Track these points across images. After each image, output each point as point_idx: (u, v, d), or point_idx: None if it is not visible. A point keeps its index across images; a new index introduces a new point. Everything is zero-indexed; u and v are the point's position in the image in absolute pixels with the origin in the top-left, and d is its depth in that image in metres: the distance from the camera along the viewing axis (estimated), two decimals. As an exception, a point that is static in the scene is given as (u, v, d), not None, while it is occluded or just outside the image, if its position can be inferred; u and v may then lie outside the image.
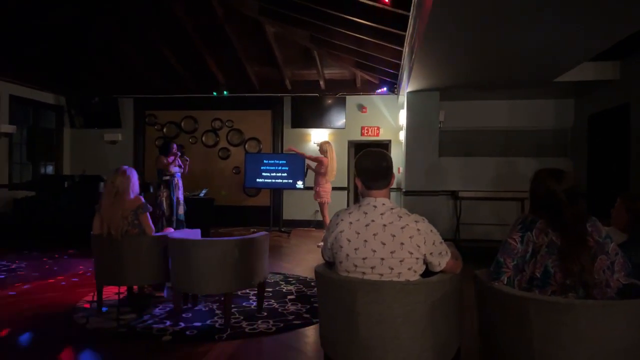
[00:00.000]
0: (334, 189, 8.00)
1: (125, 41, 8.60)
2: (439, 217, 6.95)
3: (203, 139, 9.88)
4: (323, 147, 7.26)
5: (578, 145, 7.10)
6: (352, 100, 9.41)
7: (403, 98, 7.36)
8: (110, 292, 4.16)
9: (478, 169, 7.46)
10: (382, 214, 2.01)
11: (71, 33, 8.30)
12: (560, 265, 1.90)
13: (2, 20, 7.16)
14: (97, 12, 7.92)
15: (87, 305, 3.93)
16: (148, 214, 3.66)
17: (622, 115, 5.85)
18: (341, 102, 9.36)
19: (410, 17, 5.12)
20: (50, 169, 9.89)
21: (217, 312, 3.77)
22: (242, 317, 3.65)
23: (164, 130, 9.98)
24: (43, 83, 9.33)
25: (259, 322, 3.56)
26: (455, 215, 7.31)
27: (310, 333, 3.38)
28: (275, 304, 4.06)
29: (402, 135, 8.03)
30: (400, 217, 2.00)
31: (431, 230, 2.01)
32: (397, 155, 8.86)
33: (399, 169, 8.32)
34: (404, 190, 6.97)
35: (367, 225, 2.01)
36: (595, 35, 4.23)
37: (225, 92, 9.51)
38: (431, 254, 2.00)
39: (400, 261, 1.96)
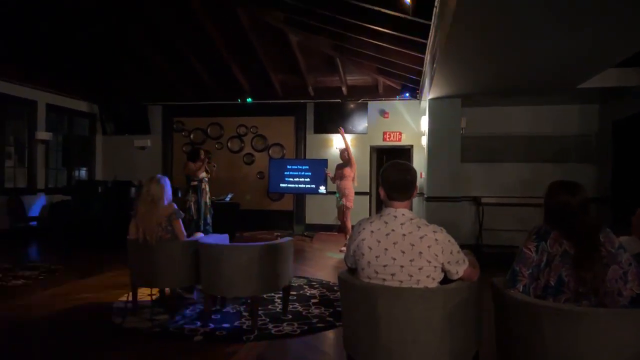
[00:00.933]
0: (356, 193, 8.12)
1: (155, 51, 8.94)
2: (461, 223, 6.99)
3: (228, 144, 10.15)
4: (344, 154, 7.38)
5: (602, 151, 7.04)
6: (374, 105, 9.52)
7: (425, 103, 7.43)
8: (143, 294, 4.38)
9: (500, 174, 7.46)
10: (402, 224, 2.13)
11: (103, 44, 8.68)
12: (573, 274, 1.99)
13: (38, 33, 7.56)
14: (128, 24, 8.27)
15: (123, 306, 4.15)
16: (180, 220, 3.86)
17: (647, 121, 5.80)
18: (363, 108, 9.48)
19: (431, 25, 5.21)
20: (83, 174, 10.33)
21: (245, 314, 3.93)
22: (268, 319, 3.81)
23: (191, 136, 10.30)
24: (77, 92, 9.78)
25: (285, 324, 3.71)
26: (478, 221, 7.33)
27: (334, 335, 3.51)
28: (300, 307, 4.20)
29: (424, 141, 8.09)
30: (419, 227, 2.11)
31: (449, 240, 2.11)
32: (420, 161, 8.92)
33: (420, 173, 8.37)
34: (426, 196, 7.03)
35: (387, 234, 2.12)
36: (618, 43, 4.23)
37: (248, 100, 9.74)
38: (449, 262, 2.10)
39: (419, 269, 2.07)
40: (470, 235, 7.31)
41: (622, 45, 4.32)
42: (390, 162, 2.28)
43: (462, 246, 2.21)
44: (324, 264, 6.33)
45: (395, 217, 2.16)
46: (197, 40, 8.48)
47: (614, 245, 2.01)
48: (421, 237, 2.08)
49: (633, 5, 3.31)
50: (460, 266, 2.13)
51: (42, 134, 8.87)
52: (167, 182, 3.91)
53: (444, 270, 2.14)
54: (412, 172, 2.22)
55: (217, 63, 9.00)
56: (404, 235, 2.10)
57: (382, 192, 2.24)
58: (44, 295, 4.58)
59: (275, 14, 7.40)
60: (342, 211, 7.38)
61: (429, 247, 2.06)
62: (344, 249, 7.26)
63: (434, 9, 4.72)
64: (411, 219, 2.15)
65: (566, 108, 7.35)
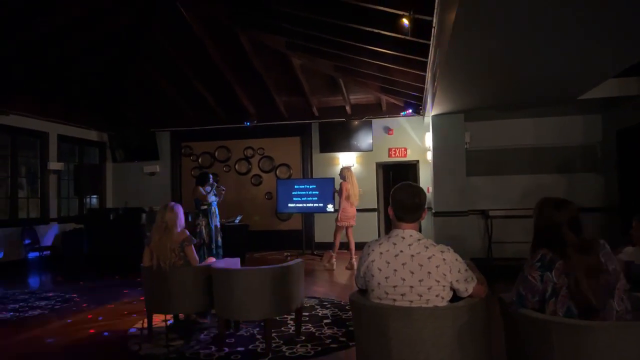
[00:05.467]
0: (363, 210, 8.18)
1: (162, 78, 9.16)
2: (470, 236, 7.00)
3: (236, 167, 10.29)
4: (342, 172, 7.56)
5: (608, 161, 7.06)
6: (378, 123, 9.63)
7: (428, 119, 7.53)
8: (158, 320, 4.43)
9: (507, 187, 7.48)
10: (410, 245, 2.18)
11: (112, 74, 8.93)
12: (580, 305, 1.91)
13: (47, 66, 7.79)
14: (135, 53, 8.51)
15: (138, 333, 4.20)
16: (192, 246, 3.94)
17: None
18: (367, 126, 9.59)
19: (430, 45, 5.34)
20: (94, 202, 10.47)
21: (258, 337, 3.97)
22: (281, 342, 3.84)
23: (199, 160, 10.46)
24: (87, 121, 10.00)
25: (298, 346, 3.74)
26: (487, 235, 7.33)
27: (347, 356, 3.53)
28: (312, 328, 4.23)
29: (429, 156, 8.17)
30: (427, 247, 2.17)
31: (456, 259, 2.16)
32: (426, 176, 8.98)
33: (427, 188, 8.40)
34: (434, 211, 7.07)
35: (396, 256, 2.18)
36: (618, 54, 4.29)
37: (246, 123, 9.85)
38: (457, 281, 2.15)
39: (428, 289, 2.12)
40: (480, 249, 7.30)
41: (619, 57, 4.40)
42: (401, 184, 2.34)
43: (472, 260, 2.24)
44: (335, 284, 6.35)
45: (404, 238, 2.22)
46: (202, 66, 8.69)
47: (613, 262, 1.97)
48: (429, 258, 2.13)
49: (626, 19, 3.40)
50: (469, 284, 2.17)
51: (54, 164, 9.05)
52: (180, 210, 4.01)
53: (452, 288, 2.18)
54: (422, 195, 2.27)
55: (222, 87, 9.20)
56: (412, 256, 2.15)
57: (390, 212, 2.30)
58: (60, 325, 4.64)
59: (277, 39, 7.58)
60: None
61: (437, 267, 2.11)
62: (348, 265, 7.29)
63: (433, 29, 4.85)
64: (419, 240, 2.20)
65: (570, 119, 7.39)
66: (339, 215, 7.41)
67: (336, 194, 8.03)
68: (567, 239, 1.99)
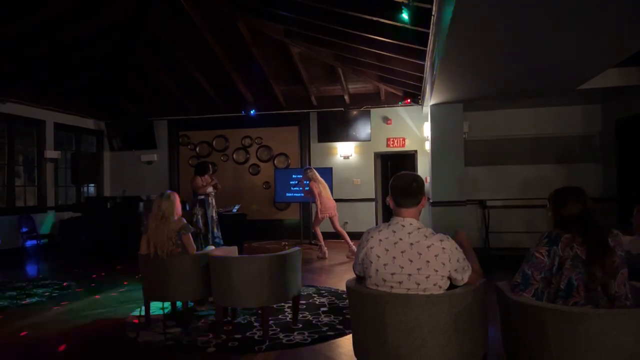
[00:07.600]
0: (361, 200, 8.13)
1: (159, 67, 9.09)
2: (467, 226, 6.98)
3: (234, 156, 10.26)
4: (307, 174, 7.58)
5: (607, 151, 7.06)
6: (376, 112, 9.60)
7: (427, 109, 7.50)
8: (155, 307, 4.44)
9: (505, 177, 7.49)
10: (409, 233, 2.18)
11: (109, 62, 8.84)
12: (583, 278, 1.99)
13: (44, 54, 7.71)
14: (132, 41, 8.43)
15: (136, 320, 4.22)
16: (190, 234, 3.94)
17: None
18: (366, 115, 9.56)
19: (430, 34, 5.29)
20: (92, 190, 10.45)
21: (255, 324, 3.99)
22: (278, 329, 3.86)
23: (197, 149, 10.42)
24: (84, 110, 9.93)
25: (295, 333, 3.76)
26: (484, 224, 7.34)
27: (344, 343, 3.55)
28: (310, 316, 4.25)
29: (428, 146, 8.15)
30: (426, 236, 2.16)
31: (456, 248, 2.16)
32: (424, 166, 8.97)
33: (425, 178, 8.40)
34: (431, 201, 7.07)
35: (395, 243, 2.18)
36: (617, 43, 4.26)
37: (242, 112, 9.80)
38: (455, 270, 2.15)
39: (426, 277, 2.12)
40: (477, 238, 7.32)
41: (619, 47, 4.37)
42: (399, 173, 2.36)
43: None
44: (332, 272, 6.37)
45: (403, 226, 2.21)
46: (200, 55, 8.62)
47: (622, 249, 2.04)
48: (428, 246, 2.13)
49: (626, 8, 3.36)
50: (465, 272, 2.18)
51: (51, 153, 9.01)
52: (177, 198, 4.00)
53: (449, 277, 2.18)
54: (418, 180, 2.28)
55: (220, 76, 9.14)
56: (411, 244, 2.15)
57: (391, 202, 2.30)
58: (57, 312, 4.65)
59: (275, 27, 7.52)
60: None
61: (436, 256, 2.11)
62: (349, 254, 7.30)
63: (432, 17, 4.80)
64: (418, 228, 2.20)
65: (569, 109, 7.38)
66: (320, 208, 7.47)
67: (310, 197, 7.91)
68: (586, 226, 2.07)
